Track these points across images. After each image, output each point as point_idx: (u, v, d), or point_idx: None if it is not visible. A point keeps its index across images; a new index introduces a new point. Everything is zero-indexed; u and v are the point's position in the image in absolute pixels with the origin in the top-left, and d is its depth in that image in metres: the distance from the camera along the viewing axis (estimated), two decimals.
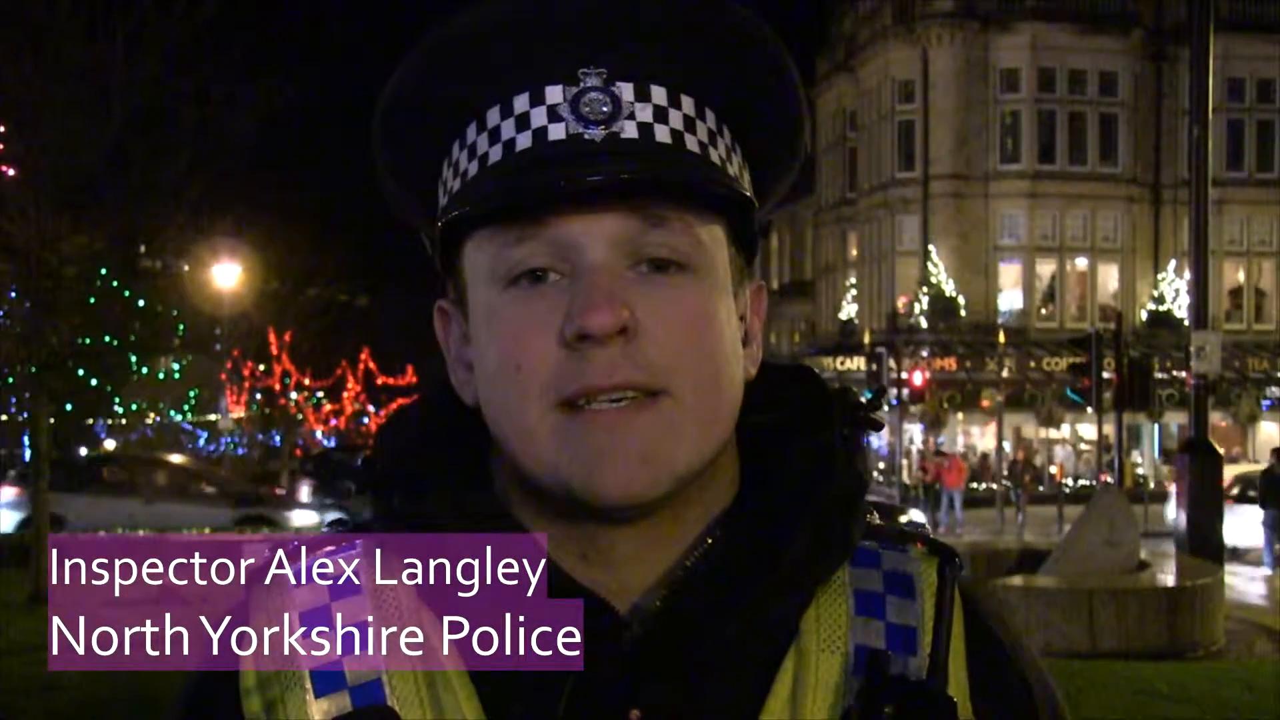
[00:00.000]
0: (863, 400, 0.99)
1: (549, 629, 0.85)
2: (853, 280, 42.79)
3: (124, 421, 42.93)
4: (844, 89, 42.70)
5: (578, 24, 0.88)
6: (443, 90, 0.91)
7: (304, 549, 0.94)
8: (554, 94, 0.88)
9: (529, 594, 0.85)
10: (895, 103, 39.88)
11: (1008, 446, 37.54)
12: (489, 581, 0.86)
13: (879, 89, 40.58)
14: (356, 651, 0.88)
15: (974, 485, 31.07)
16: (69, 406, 18.42)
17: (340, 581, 0.91)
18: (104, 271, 14.68)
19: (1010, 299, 39.52)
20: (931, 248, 38.51)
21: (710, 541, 0.91)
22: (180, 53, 13.31)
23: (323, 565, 0.92)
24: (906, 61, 39.47)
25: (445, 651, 0.88)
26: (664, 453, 0.85)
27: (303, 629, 0.89)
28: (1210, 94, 14.18)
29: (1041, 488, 34.96)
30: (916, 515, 20.50)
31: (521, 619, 0.86)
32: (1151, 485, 32.55)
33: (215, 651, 0.91)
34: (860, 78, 41.77)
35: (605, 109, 0.87)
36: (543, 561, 0.86)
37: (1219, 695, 8.42)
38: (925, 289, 38.11)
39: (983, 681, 0.92)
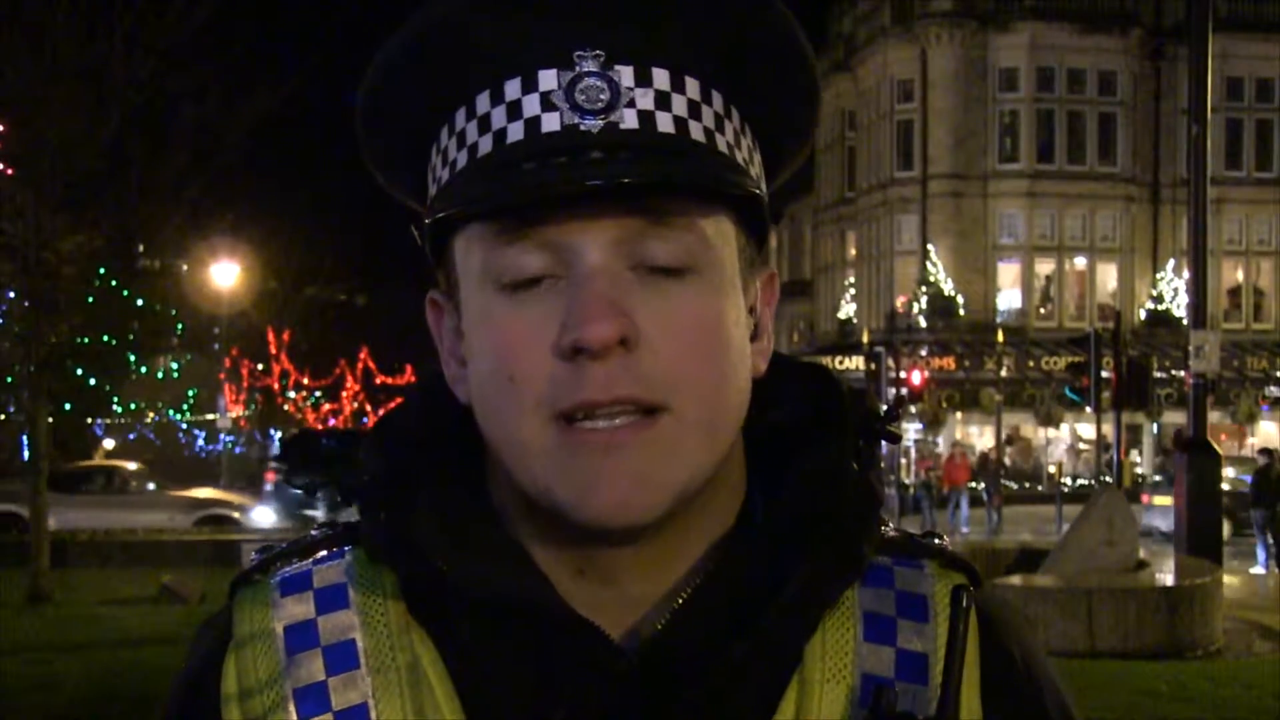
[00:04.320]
0: (880, 409, 0.92)
1: (543, 656, 0.82)
2: (851, 280, 42.82)
3: (122, 421, 42.89)
4: (843, 89, 42.70)
5: (572, 2, 0.81)
6: (430, 74, 0.85)
7: (291, 556, 0.90)
8: (548, 79, 0.81)
9: (522, 618, 0.82)
10: (894, 102, 39.90)
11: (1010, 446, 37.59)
12: (481, 603, 0.83)
13: (878, 88, 40.60)
14: (343, 672, 0.84)
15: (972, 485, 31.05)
16: (68, 406, 18.43)
17: (328, 594, 0.87)
18: (103, 271, 14.69)
19: (1009, 298, 39.55)
20: (930, 247, 38.53)
21: (713, 565, 0.86)
22: (179, 52, 13.31)
23: (310, 574, 0.88)
24: (905, 61, 39.49)
25: (435, 673, 0.84)
26: (661, 475, 0.80)
27: (287, 644, 0.85)
28: (1209, 93, 14.18)
29: (1040, 486, 34.99)
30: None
31: (514, 642, 0.83)
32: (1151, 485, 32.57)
33: (198, 658, 0.89)
34: (859, 77, 41.78)
35: (603, 97, 0.81)
36: (539, 585, 0.83)
37: (1218, 694, 8.41)
38: (924, 288, 38.13)
39: (996, 707, 0.88)
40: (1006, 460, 36.79)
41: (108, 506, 19.89)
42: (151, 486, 22.28)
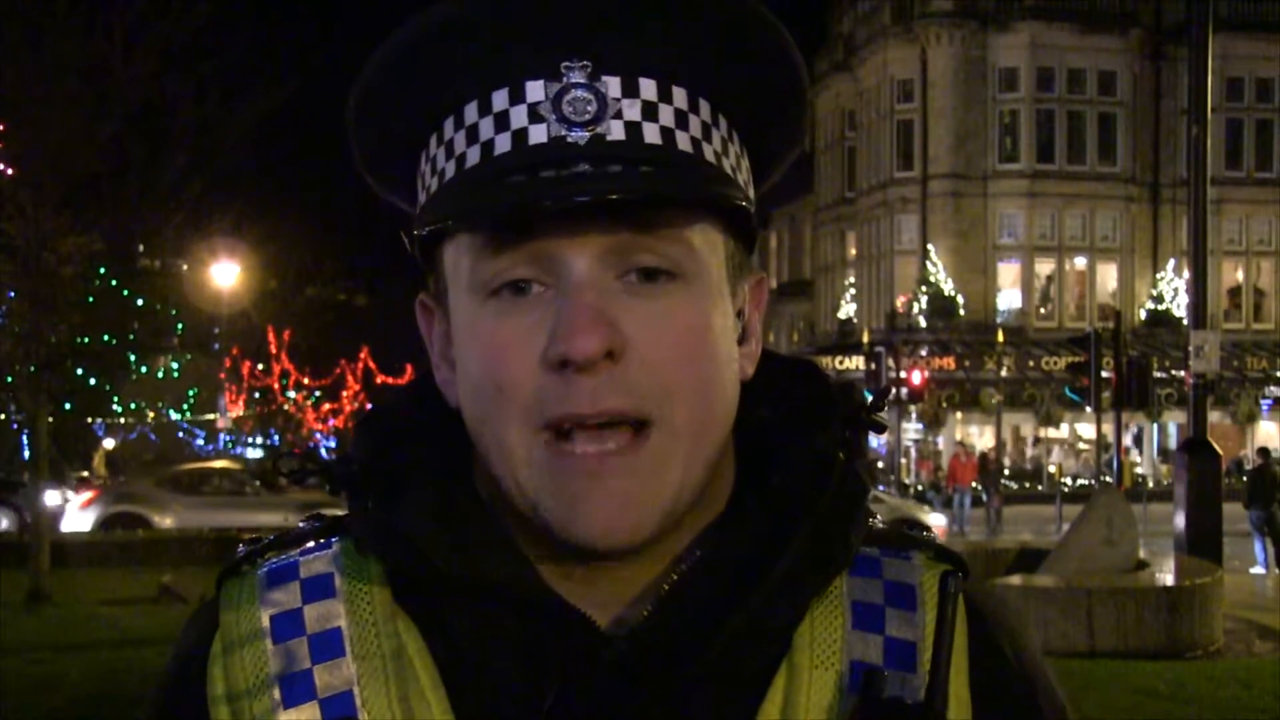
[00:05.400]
0: (866, 400, 0.93)
1: (530, 644, 0.82)
2: (851, 279, 42.81)
3: (122, 421, 42.91)
4: (843, 88, 42.70)
5: (559, 13, 0.81)
6: (418, 83, 0.85)
7: (278, 547, 0.91)
8: (535, 90, 0.81)
9: (510, 606, 0.83)
10: (894, 102, 39.89)
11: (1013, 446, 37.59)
12: (468, 591, 0.83)
13: (878, 88, 40.59)
14: (328, 659, 0.84)
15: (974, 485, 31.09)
16: (68, 406, 18.44)
17: (314, 583, 0.87)
18: (103, 271, 14.68)
19: (1009, 298, 39.55)
20: (930, 247, 38.53)
21: (699, 553, 0.86)
22: (179, 52, 13.31)
23: (297, 565, 0.89)
24: (905, 61, 39.48)
25: (420, 660, 0.84)
26: (648, 496, 0.80)
27: (274, 633, 0.85)
28: (1209, 93, 14.18)
29: (1040, 486, 34.98)
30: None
31: (501, 631, 0.83)
32: (1150, 484, 32.58)
33: (184, 654, 0.89)
34: (859, 77, 41.78)
35: (590, 108, 0.81)
36: (526, 574, 0.83)
37: (1217, 695, 8.41)
38: (924, 288, 38.13)
39: (986, 697, 0.88)
40: (1007, 460, 36.80)
41: (229, 507, 20.14)
42: (257, 484, 22.49)
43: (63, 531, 18.81)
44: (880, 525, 0.93)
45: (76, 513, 20.02)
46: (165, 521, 19.66)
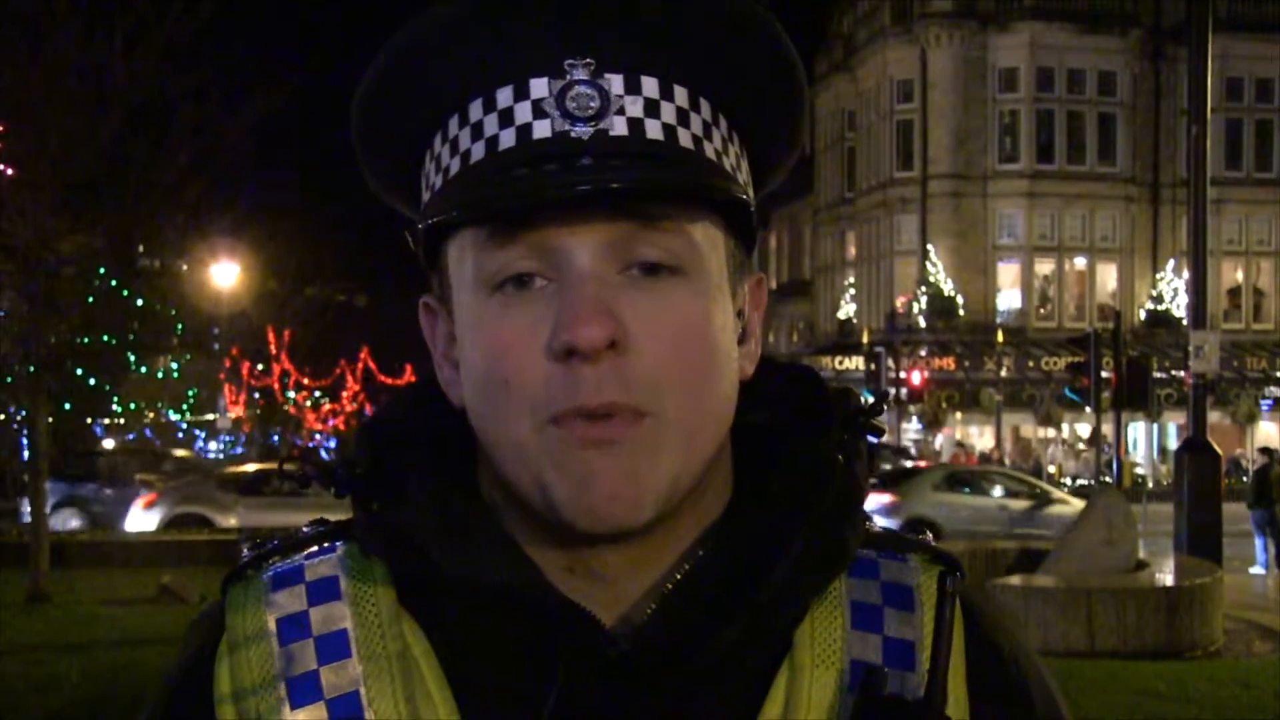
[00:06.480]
0: (865, 404, 0.94)
1: (534, 643, 0.83)
2: (851, 280, 42.84)
3: (122, 421, 42.92)
4: (842, 89, 42.73)
5: (563, 12, 0.83)
6: (423, 81, 0.87)
7: (283, 550, 0.92)
8: (539, 87, 0.83)
9: (514, 606, 0.83)
10: (894, 102, 39.93)
11: (1008, 445, 37.57)
12: (471, 592, 0.84)
13: (877, 89, 40.63)
14: (335, 660, 0.85)
15: None
16: (68, 406, 18.44)
17: (319, 586, 0.88)
18: (102, 271, 14.67)
19: (1009, 298, 39.58)
20: (930, 247, 38.56)
21: (701, 553, 0.87)
22: (179, 52, 13.31)
23: (302, 568, 0.90)
24: (905, 61, 39.52)
25: (426, 661, 0.86)
26: (647, 473, 0.81)
27: (280, 634, 0.86)
28: (1209, 94, 14.18)
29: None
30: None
31: (505, 631, 0.84)
32: (1150, 484, 32.58)
33: (190, 655, 0.90)
34: (859, 78, 41.82)
35: (593, 105, 0.82)
36: (529, 574, 0.84)
37: (1217, 695, 8.41)
38: (924, 288, 38.16)
39: (983, 696, 0.89)
40: (1006, 461, 36.80)
41: (290, 508, 20.15)
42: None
43: (130, 531, 18.87)
44: (877, 529, 0.94)
45: (139, 513, 20.00)
46: (228, 521, 19.62)
